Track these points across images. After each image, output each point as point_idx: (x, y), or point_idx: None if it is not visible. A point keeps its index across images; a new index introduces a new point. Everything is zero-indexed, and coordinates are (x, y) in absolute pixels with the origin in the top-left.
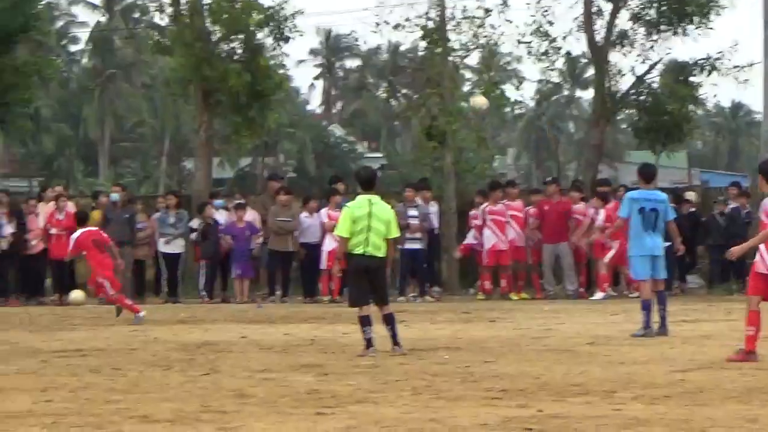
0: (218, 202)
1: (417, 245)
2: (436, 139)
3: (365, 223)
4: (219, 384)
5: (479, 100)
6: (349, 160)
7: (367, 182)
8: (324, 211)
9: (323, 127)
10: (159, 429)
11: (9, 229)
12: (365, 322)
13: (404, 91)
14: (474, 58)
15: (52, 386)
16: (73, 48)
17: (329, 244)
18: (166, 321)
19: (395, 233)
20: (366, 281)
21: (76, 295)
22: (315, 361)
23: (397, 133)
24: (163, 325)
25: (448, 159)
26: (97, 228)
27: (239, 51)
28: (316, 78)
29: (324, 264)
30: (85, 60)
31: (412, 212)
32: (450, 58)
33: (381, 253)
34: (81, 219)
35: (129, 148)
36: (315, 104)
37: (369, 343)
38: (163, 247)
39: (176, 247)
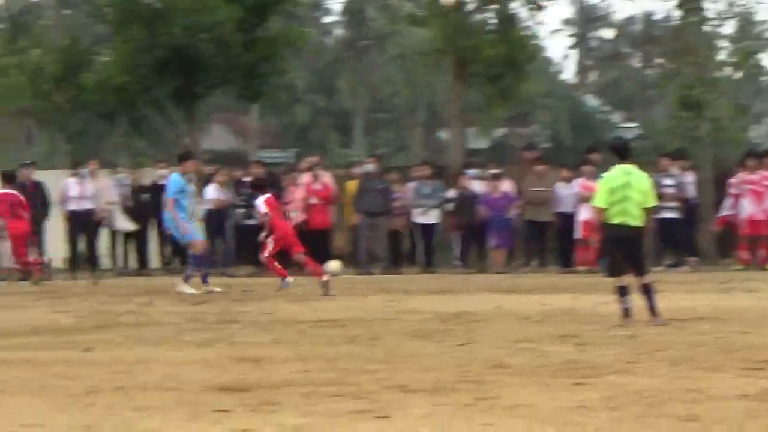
0: (472, 171)
1: (672, 214)
2: (691, 109)
3: (622, 193)
4: (476, 354)
5: None
6: (603, 130)
7: (622, 152)
8: (578, 180)
9: (577, 97)
10: (417, 399)
11: None
12: (622, 292)
13: (659, 60)
14: (729, 27)
15: (309, 356)
16: (326, 19)
17: (584, 214)
18: (421, 291)
19: (652, 202)
20: (623, 251)
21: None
22: (572, 332)
23: (651, 103)
24: (419, 295)
25: (704, 128)
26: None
27: (493, 21)
28: (570, 48)
29: (579, 234)
30: (338, 31)
31: (668, 181)
32: (705, 27)
33: (638, 223)
34: (260, 186)
35: (383, 118)
36: (569, 74)
37: (626, 312)
38: (419, 217)
39: (432, 217)
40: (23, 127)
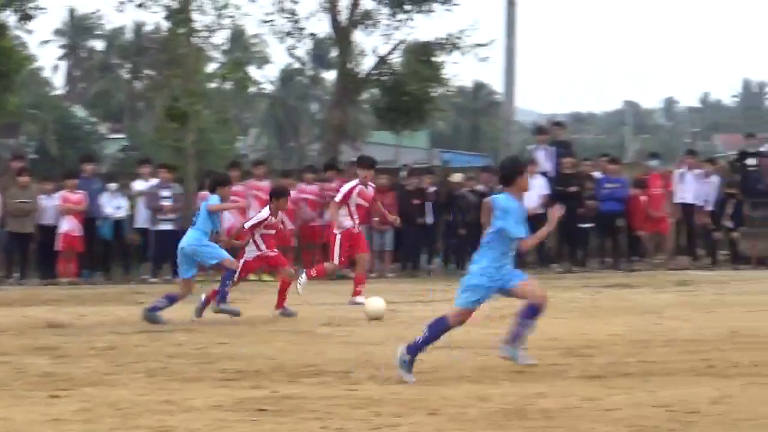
0: None
1: (170, 226)
2: (177, 120)
3: None
4: None
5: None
6: (91, 142)
7: None
8: (61, 192)
9: (66, 108)
10: None
11: None
12: None
13: (148, 71)
14: (222, 38)
15: None
16: None
17: (64, 226)
18: None
19: None
20: None
21: None
22: (51, 344)
23: (140, 114)
24: None
25: (189, 140)
26: None
27: None
28: (60, 59)
29: (59, 245)
30: None
31: (166, 193)
32: (194, 39)
33: None
34: None
35: None
36: (58, 85)
37: None
38: None
39: None
40: None
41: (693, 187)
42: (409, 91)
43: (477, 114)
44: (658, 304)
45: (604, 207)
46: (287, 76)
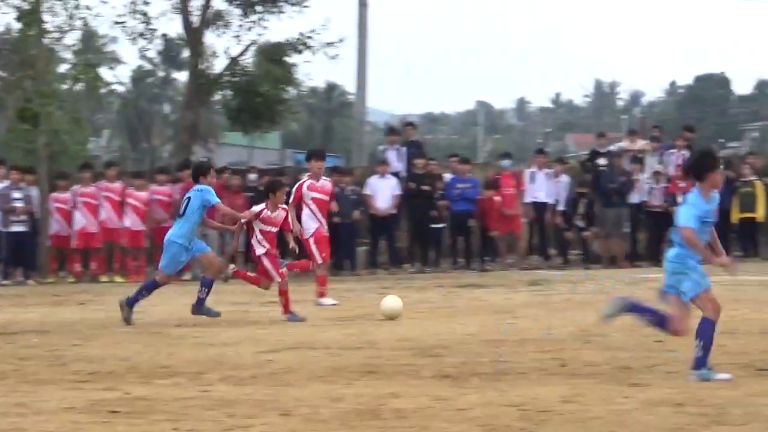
0: None
1: (22, 228)
2: (29, 121)
3: None
4: None
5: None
6: None
7: None
8: None
9: None
10: None
11: None
12: None
13: None
14: (74, 39)
15: None
16: None
17: None
18: None
19: None
20: None
21: None
22: None
23: None
24: None
25: (41, 141)
26: None
27: None
28: None
29: None
30: None
31: (17, 194)
32: (45, 40)
33: None
34: None
35: None
36: None
37: None
38: None
39: None
40: None
41: (544, 187)
42: (261, 92)
43: (329, 114)
44: (511, 304)
45: (456, 207)
46: (139, 77)
